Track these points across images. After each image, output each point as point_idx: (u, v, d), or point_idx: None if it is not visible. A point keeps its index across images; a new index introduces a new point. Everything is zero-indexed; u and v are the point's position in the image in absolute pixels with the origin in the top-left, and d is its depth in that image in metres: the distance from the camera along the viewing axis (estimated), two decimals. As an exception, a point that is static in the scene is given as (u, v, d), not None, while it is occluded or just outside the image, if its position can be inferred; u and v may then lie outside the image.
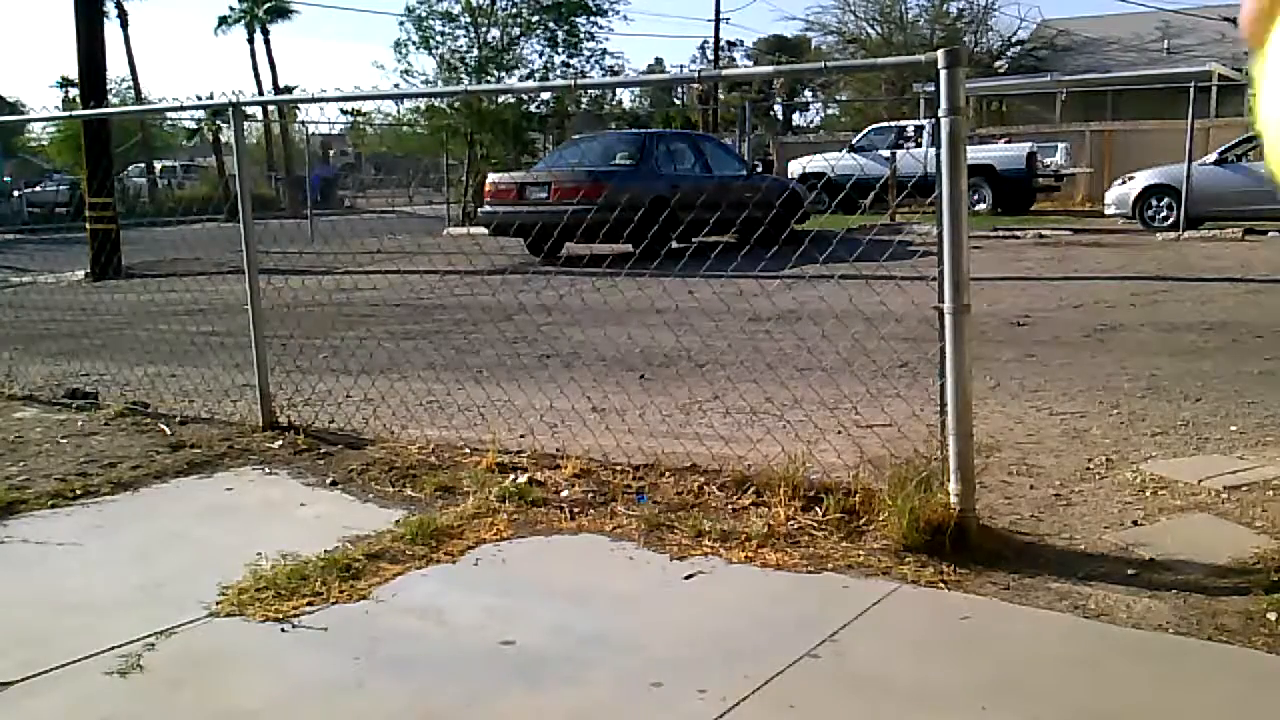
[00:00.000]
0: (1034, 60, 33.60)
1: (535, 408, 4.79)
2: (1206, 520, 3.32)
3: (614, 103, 35.58)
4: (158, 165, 36.68)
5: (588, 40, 24.84)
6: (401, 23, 24.65)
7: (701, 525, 3.25)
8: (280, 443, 4.50)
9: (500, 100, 22.83)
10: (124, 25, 38.41)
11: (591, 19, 24.78)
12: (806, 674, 2.38)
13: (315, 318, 7.54)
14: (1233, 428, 4.42)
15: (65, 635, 2.66)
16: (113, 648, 2.58)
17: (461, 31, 24.16)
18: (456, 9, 23.98)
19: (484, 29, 24.14)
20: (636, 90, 35.93)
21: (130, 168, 33.23)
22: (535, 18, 24.43)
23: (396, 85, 23.63)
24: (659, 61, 55.81)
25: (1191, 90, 15.23)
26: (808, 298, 6.58)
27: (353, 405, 4.96)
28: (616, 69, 25.47)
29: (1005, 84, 29.82)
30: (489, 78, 23.39)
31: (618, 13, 32.37)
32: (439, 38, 24.08)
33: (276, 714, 2.30)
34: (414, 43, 24.02)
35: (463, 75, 23.66)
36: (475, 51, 24.14)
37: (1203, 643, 2.48)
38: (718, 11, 41.67)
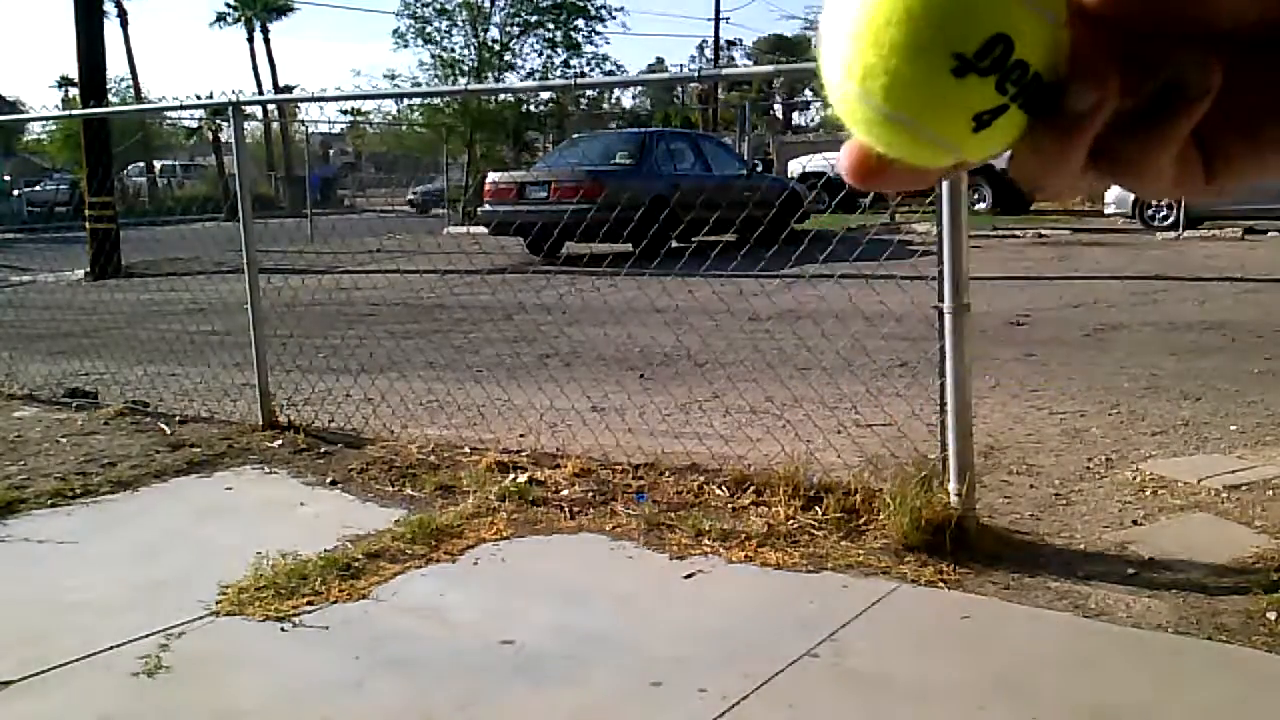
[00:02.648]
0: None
1: (535, 407, 4.79)
2: (1206, 520, 3.32)
3: (613, 102, 35.58)
4: (157, 164, 36.63)
5: (586, 44, 24.90)
6: (398, 14, 24.75)
7: (701, 524, 3.25)
8: (280, 442, 4.50)
9: (501, 99, 22.83)
10: (124, 25, 38.42)
11: (590, 23, 24.82)
12: (806, 673, 2.38)
13: (315, 317, 7.54)
14: (1233, 427, 4.42)
15: (65, 634, 2.66)
16: (112, 647, 2.58)
17: (458, 30, 24.21)
18: (452, 5, 24.02)
19: (482, 30, 24.15)
20: (636, 90, 35.99)
21: (130, 167, 33.17)
22: (534, 18, 24.45)
23: (396, 84, 23.66)
24: (659, 61, 55.83)
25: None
26: (808, 297, 6.58)
27: (352, 404, 4.96)
28: (614, 74, 25.53)
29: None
30: (486, 78, 23.40)
31: (614, 18, 32.38)
32: (435, 34, 24.15)
33: (276, 713, 2.30)
34: (412, 33, 24.10)
35: (458, 75, 23.69)
36: (471, 52, 24.16)
37: (1202, 642, 2.49)
38: (718, 11, 41.77)
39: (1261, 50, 0.35)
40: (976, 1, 0.33)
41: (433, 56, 24.24)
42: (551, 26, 24.59)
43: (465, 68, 23.94)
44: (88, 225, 13.33)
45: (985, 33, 0.33)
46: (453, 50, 24.25)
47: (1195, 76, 0.34)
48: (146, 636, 2.63)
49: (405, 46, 24.53)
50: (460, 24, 24.14)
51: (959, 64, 0.33)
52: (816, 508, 3.33)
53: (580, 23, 24.79)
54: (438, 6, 24.05)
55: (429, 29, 24.08)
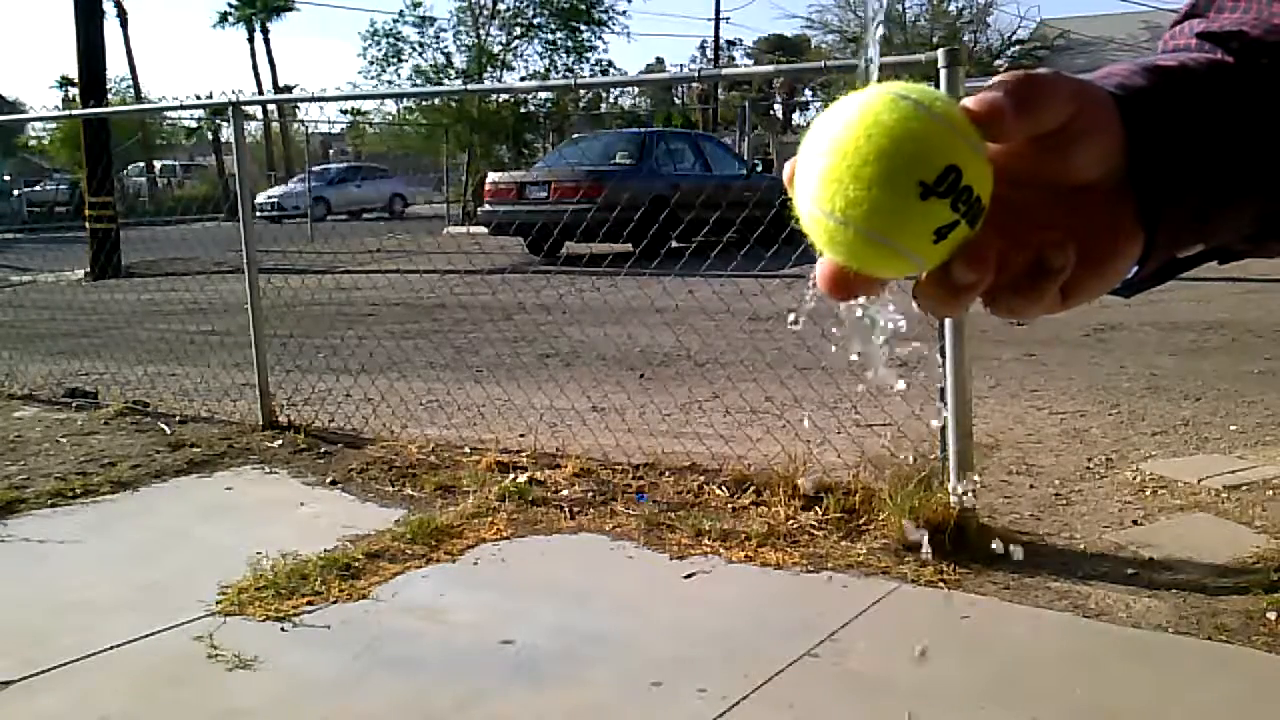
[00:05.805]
0: (1033, 59, 33.57)
1: (535, 407, 4.79)
2: (1206, 520, 3.32)
3: (613, 102, 35.54)
4: (157, 164, 36.64)
5: (589, 50, 24.87)
6: (366, 48, 24.65)
7: (701, 524, 3.25)
8: (280, 442, 4.50)
9: (501, 99, 22.81)
10: (123, 24, 38.44)
11: (593, 28, 24.77)
12: (806, 673, 2.38)
13: (315, 317, 7.54)
14: (1233, 427, 4.42)
15: (65, 634, 2.66)
16: (113, 647, 2.58)
17: (447, 34, 24.18)
18: (443, 14, 24.04)
19: (484, 26, 24.11)
20: (636, 90, 35.99)
21: (130, 167, 33.17)
22: (538, 20, 24.42)
23: (395, 84, 23.66)
24: (659, 61, 55.80)
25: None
26: (807, 297, 6.59)
27: (352, 404, 4.96)
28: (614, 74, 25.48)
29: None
30: (487, 77, 23.38)
31: (620, 23, 32.34)
32: (416, 47, 24.11)
33: (276, 713, 2.30)
34: (388, 59, 24.07)
35: (444, 79, 23.65)
36: (464, 55, 24.13)
37: (1202, 642, 2.48)
38: (718, 11, 41.82)
39: (1107, 199, 0.48)
40: (933, 142, 0.43)
41: (420, 70, 24.22)
42: (554, 27, 24.54)
43: (455, 71, 23.88)
44: (88, 225, 13.32)
45: (941, 164, 0.43)
46: (442, 53, 24.22)
47: (1057, 259, 0.46)
48: (146, 636, 2.63)
49: (382, 73, 24.36)
50: (457, 26, 24.13)
51: (923, 189, 0.43)
52: (816, 508, 3.33)
53: (582, 28, 24.74)
54: (415, 19, 24.02)
55: (404, 49, 24.04)
